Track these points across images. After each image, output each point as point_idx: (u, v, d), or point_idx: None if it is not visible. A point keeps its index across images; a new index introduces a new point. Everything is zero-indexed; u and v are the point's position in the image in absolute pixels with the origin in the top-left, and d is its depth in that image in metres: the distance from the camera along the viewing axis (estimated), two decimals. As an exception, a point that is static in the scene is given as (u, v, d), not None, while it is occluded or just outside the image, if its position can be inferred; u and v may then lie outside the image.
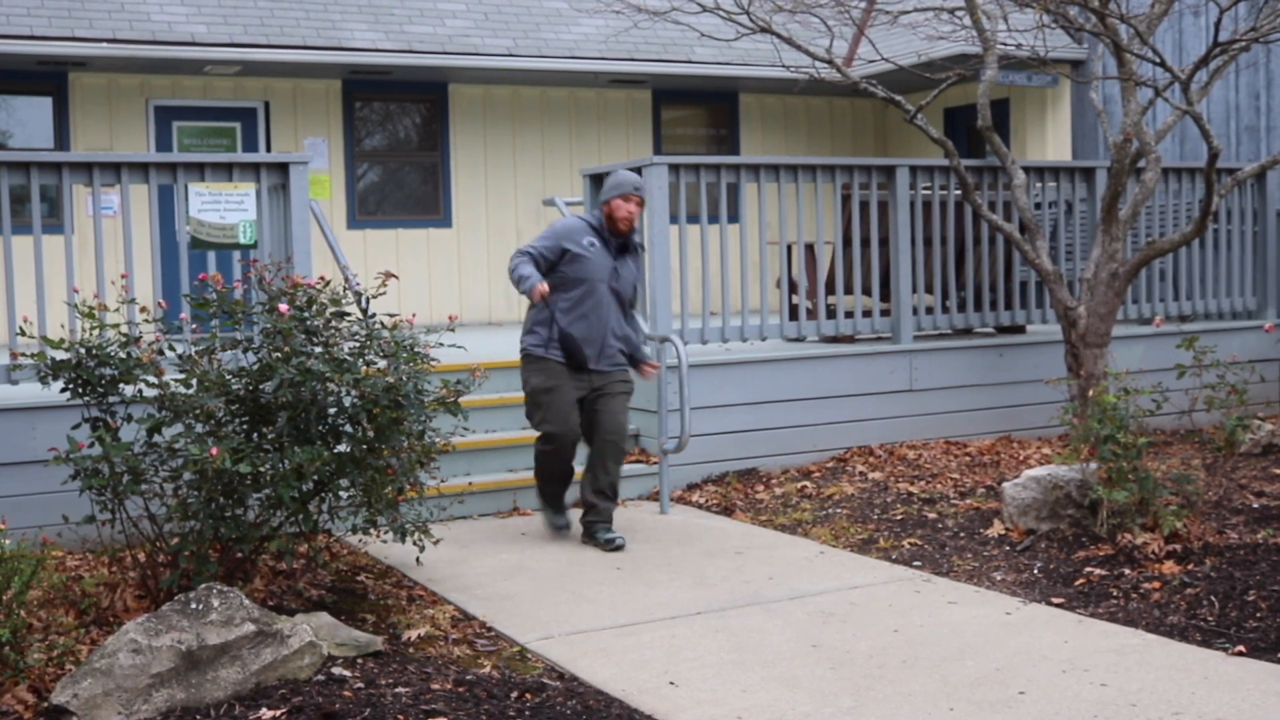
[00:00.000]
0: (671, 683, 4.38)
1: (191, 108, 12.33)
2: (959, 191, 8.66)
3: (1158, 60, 7.41)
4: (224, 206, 6.71)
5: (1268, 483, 7.12)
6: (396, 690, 4.21)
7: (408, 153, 13.34)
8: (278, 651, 4.26)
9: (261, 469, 4.85)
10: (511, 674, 4.50)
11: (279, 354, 5.00)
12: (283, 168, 6.82)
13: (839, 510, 6.93)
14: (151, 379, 5.04)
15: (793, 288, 8.94)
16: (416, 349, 5.16)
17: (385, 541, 5.51)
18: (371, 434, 5.01)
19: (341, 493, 5.22)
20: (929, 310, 8.85)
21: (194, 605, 4.25)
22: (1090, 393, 6.38)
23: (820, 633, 4.90)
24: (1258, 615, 4.89)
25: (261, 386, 4.96)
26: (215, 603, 4.27)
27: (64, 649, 4.30)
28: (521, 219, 13.50)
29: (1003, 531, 6.27)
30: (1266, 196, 9.93)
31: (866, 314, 8.61)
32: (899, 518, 6.71)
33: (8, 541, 4.23)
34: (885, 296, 8.71)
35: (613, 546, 6.26)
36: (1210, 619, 4.91)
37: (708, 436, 7.71)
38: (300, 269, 6.59)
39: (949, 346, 8.68)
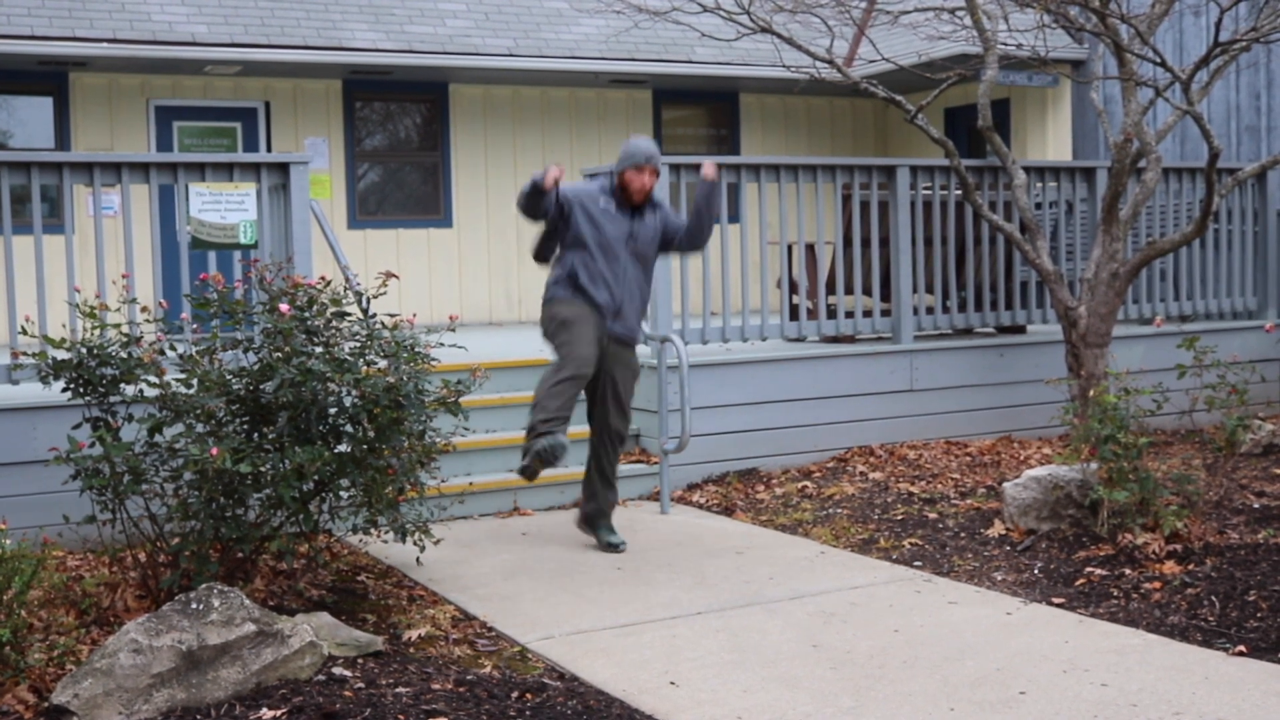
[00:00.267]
0: (672, 683, 4.38)
1: (192, 108, 12.33)
2: (959, 191, 8.66)
3: (1158, 60, 7.41)
4: (224, 206, 6.71)
5: (1268, 483, 7.12)
6: (397, 690, 4.21)
7: (408, 153, 13.35)
8: (278, 651, 4.26)
9: (262, 469, 4.85)
10: (512, 674, 4.50)
11: (280, 354, 5.00)
12: (283, 168, 6.83)
13: (839, 510, 6.93)
14: (152, 379, 5.04)
15: (793, 288, 8.95)
16: (417, 349, 5.16)
17: (386, 541, 5.51)
18: (372, 434, 5.01)
19: (342, 493, 5.22)
20: (929, 310, 8.85)
21: (194, 605, 4.25)
22: (1091, 393, 6.38)
23: (821, 633, 4.90)
24: (1258, 615, 4.89)
25: (262, 386, 4.96)
26: (216, 603, 4.27)
27: (64, 649, 4.30)
28: (522, 219, 13.45)
29: (1003, 531, 6.27)
30: (1267, 196, 9.93)
31: (867, 314, 8.61)
32: (899, 518, 6.71)
33: (8, 541, 4.23)
34: (886, 296, 8.71)
35: (613, 548, 6.25)
36: (1211, 619, 4.91)
37: (708, 436, 7.71)
38: (301, 269, 6.59)
39: (949, 346, 8.68)
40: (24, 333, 5.38)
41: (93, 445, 4.82)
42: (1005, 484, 6.47)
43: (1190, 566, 5.48)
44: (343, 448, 5.05)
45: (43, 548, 4.58)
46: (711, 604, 5.31)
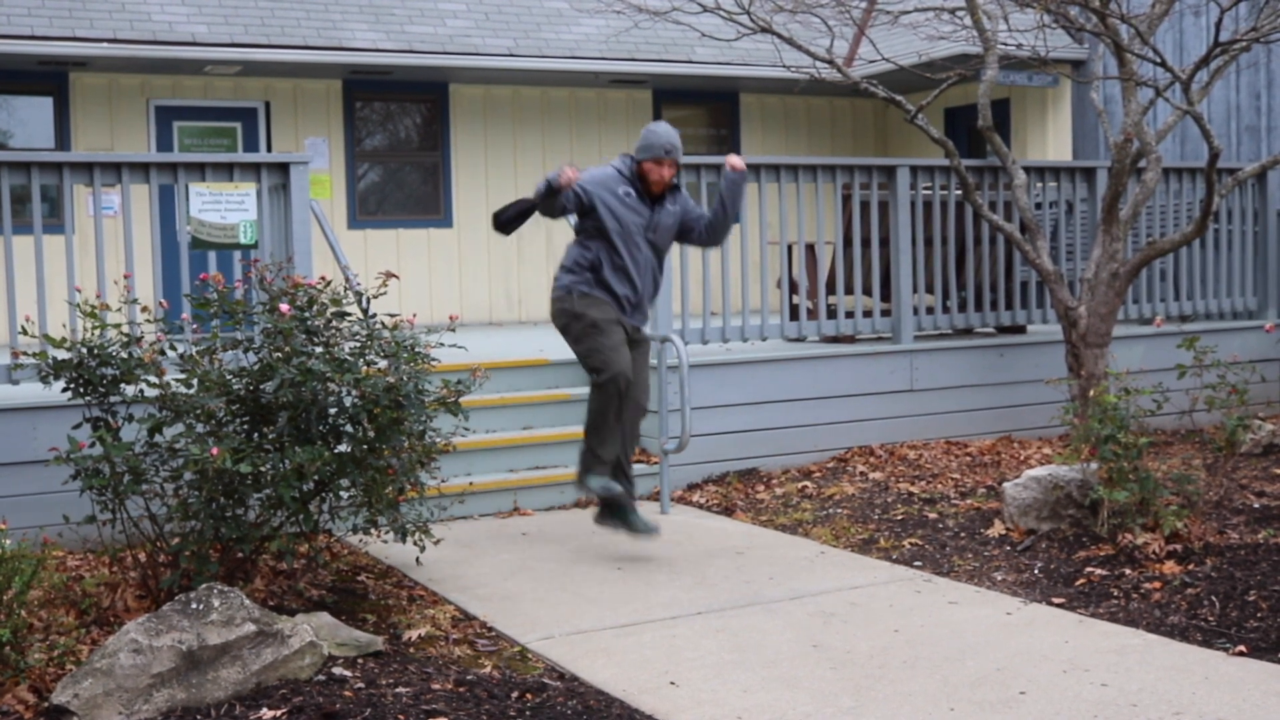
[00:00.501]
0: (672, 683, 4.38)
1: (192, 108, 12.33)
2: (959, 191, 8.66)
3: (1158, 60, 7.41)
4: (225, 206, 6.72)
5: (1268, 483, 7.12)
6: (397, 690, 4.21)
7: (408, 153, 13.35)
8: (278, 651, 4.26)
9: (262, 469, 4.85)
10: (512, 674, 4.50)
11: (280, 354, 5.00)
12: (283, 168, 6.83)
13: (839, 510, 6.93)
14: (152, 379, 5.04)
15: (793, 288, 8.95)
16: (417, 349, 5.16)
17: (386, 541, 5.51)
18: (372, 434, 5.02)
19: (342, 493, 5.22)
20: (929, 310, 8.86)
21: (194, 605, 4.25)
22: (1091, 393, 6.38)
23: (821, 633, 4.90)
24: (1258, 615, 4.89)
25: (262, 386, 4.96)
26: (216, 603, 4.27)
27: (64, 649, 4.30)
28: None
29: (1003, 531, 6.27)
30: (1267, 196, 9.93)
31: (867, 314, 8.61)
32: (899, 518, 6.71)
33: (8, 541, 4.23)
34: (886, 296, 8.71)
35: (648, 531, 6.05)
36: (1211, 619, 4.91)
37: (708, 436, 7.71)
38: (301, 269, 6.59)
39: (949, 346, 8.68)
40: (24, 333, 5.38)
41: (93, 445, 4.82)
42: (1005, 484, 6.47)
43: (1190, 566, 5.48)
44: (343, 448, 5.05)
45: (43, 548, 4.59)
46: (712, 604, 5.31)
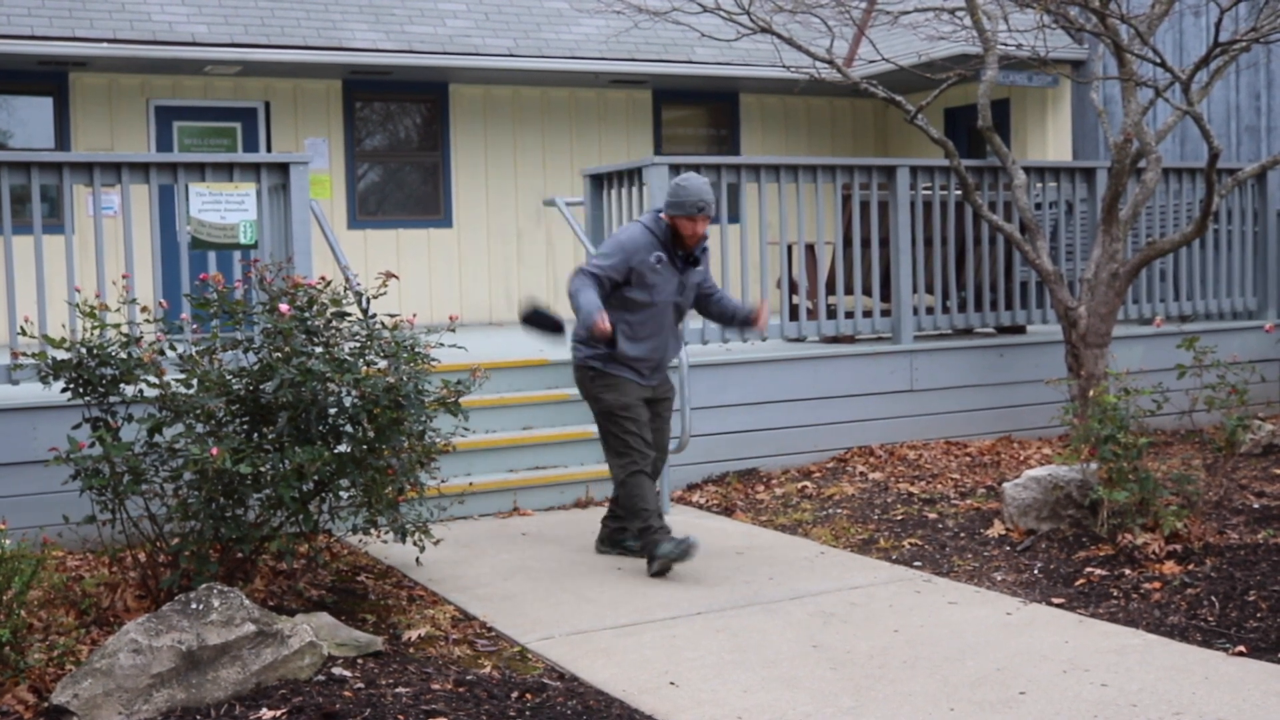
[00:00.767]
0: (672, 683, 4.38)
1: (192, 108, 12.33)
2: (959, 192, 8.66)
3: (1158, 60, 7.41)
4: (224, 206, 6.71)
5: (1268, 483, 7.12)
6: (397, 690, 4.21)
7: (408, 153, 13.35)
8: (278, 652, 4.26)
9: (262, 469, 4.85)
10: (512, 674, 4.50)
11: (279, 354, 5.00)
12: (283, 168, 6.83)
13: (839, 510, 6.93)
14: (152, 379, 5.04)
15: (793, 288, 8.95)
16: (417, 349, 5.16)
17: (385, 542, 5.51)
18: (372, 434, 5.01)
19: (342, 493, 5.22)
20: (929, 310, 8.86)
21: (194, 605, 4.25)
22: (1090, 393, 6.38)
23: (821, 633, 4.90)
24: (1258, 615, 4.89)
25: (262, 386, 4.96)
26: (215, 603, 4.27)
27: (64, 649, 4.30)
28: (522, 219, 13.50)
29: (1003, 532, 6.27)
30: (1267, 197, 9.93)
31: (867, 314, 8.61)
32: (899, 518, 6.71)
33: (8, 541, 4.23)
34: (885, 297, 8.71)
35: (683, 554, 5.74)
36: (1211, 619, 4.91)
37: (708, 436, 7.71)
38: (300, 269, 6.59)
39: (949, 347, 8.68)
40: (24, 333, 5.38)
41: (92, 445, 4.82)
42: (1005, 484, 6.47)
43: (1190, 567, 5.48)
44: (343, 448, 5.05)
45: (43, 548, 4.59)
46: (711, 604, 5.31)
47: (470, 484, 6.95)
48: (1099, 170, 9.21)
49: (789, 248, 9.00)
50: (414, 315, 5.95)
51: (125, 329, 5.37)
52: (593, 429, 7.67)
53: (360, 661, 4.51)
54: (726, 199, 8.11)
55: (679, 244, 5.84)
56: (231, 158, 6.79)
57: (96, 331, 5.21)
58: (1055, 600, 5.29)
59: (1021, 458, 8.00)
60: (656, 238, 5.81)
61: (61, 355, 5.17)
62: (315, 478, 5.00)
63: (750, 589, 5.53)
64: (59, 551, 5.48)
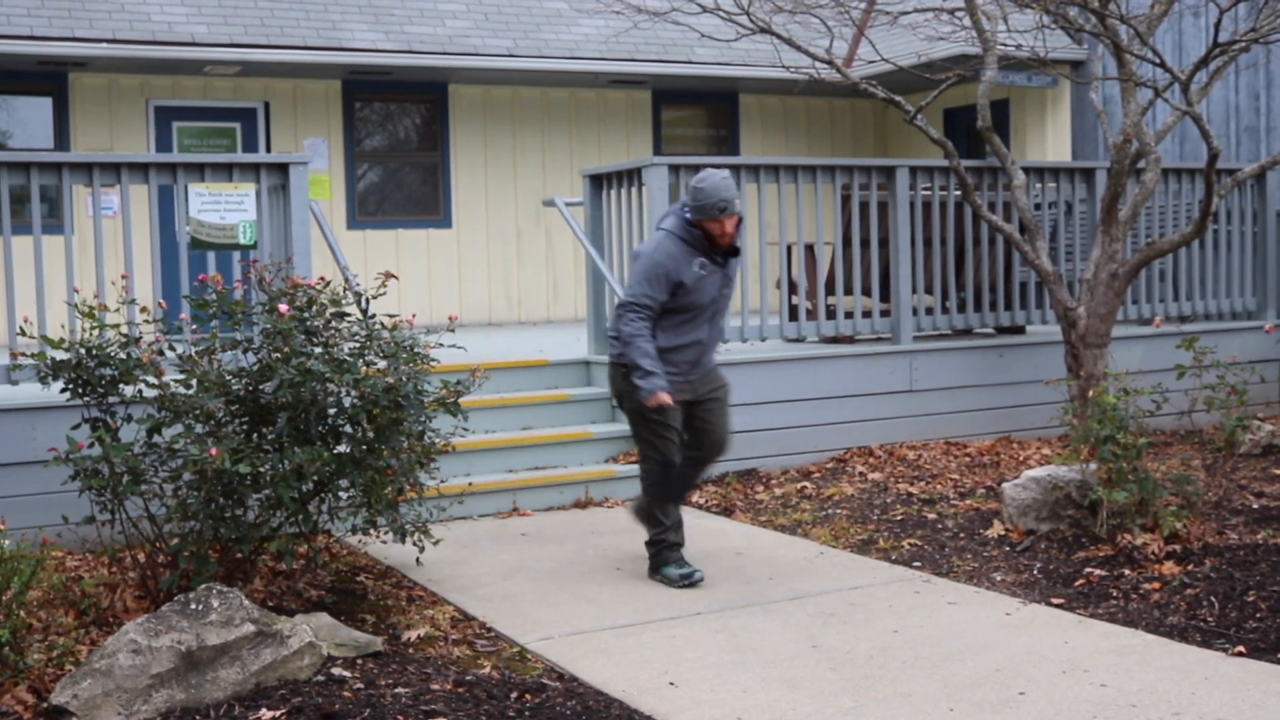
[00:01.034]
0: (671, 683, 4.38)
1: (191, 108, 12.33)
2: (959, 192, 8.66)
3: (1158, 61, 7.41)
4: (224, 207, 6.71)
5: (1268, 483, 7.12)
6: (396, 691, 4.21)
7: (408, 153, 13.35)
8: (277, 652, 4.26)
9: (261, 469, 4.85)
10: (511, 674, 4.50)
11: (279, 354, 5.00)
12: (283, 168, 6.83)
13: (839, 511, 6.93)
14: (151, 379, 5.04)
15: (792, 288, 8.94)
16: (416, 349, 5.16)
17: (385, 542, 5.51)
18: (371, 434, 5.01)
19: (341, 493, 5.22)
20: (929, 311, 8.86)
21: (194, 606, 4.25)
22: (1090, 393, 6.38)
23: (820, 633, 4.90)
24: (1258, 616, 4.89)
25: (261, 387, 4.96)
26: (215, 603, 4.27)
27: (64, 649, 4.29)
28: (522, 219, 13.51)
29: (1003, 532, 6.27)
30: (1266, 197, 9.93)
31: (866, 314, 8.61)
32: (899, 518, 6.71)
33: (8, 542, 4.23)
34: (885, 297, 8.71)
35: (685, 587, 5.64)
36: (1210, 619, 4.91)
37: (708, 437, 7.69)
38: (300, 269, 6.59)
39: (949, 347, 8.68)
40: (23, 333, 5.38)
41: (92, 446, 4.82)
42: (1004, 484, 6.47)
43: (1189, 567, 5.48)
44: (342, 448, 5.05)
45: (42, 548, 4.58)
46: (711, 604, 5.31)
47: (470, 484, 6.95)
48: (1098, 170, 9.21)
49: (788, 248, 9.00)
50: (413, 315, 5.95)
51: (124, 329, 5.37)
52: (593, 429, 7.68)
53: (360, 662, 4.51)
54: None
55: (714, 245, 5.60)
56: (231, 158, 6.78)
57: (96, 332, 5.21)
58: (1055, 600, 5.29)
59: (1021, 458, 8.00)
60: (689, 244, 5.56)
61: (61, 356, 5.17)
62: (315, 478, 5.00)
63: (750, 589, 5.53)
64: (58, 552, 5.48)
